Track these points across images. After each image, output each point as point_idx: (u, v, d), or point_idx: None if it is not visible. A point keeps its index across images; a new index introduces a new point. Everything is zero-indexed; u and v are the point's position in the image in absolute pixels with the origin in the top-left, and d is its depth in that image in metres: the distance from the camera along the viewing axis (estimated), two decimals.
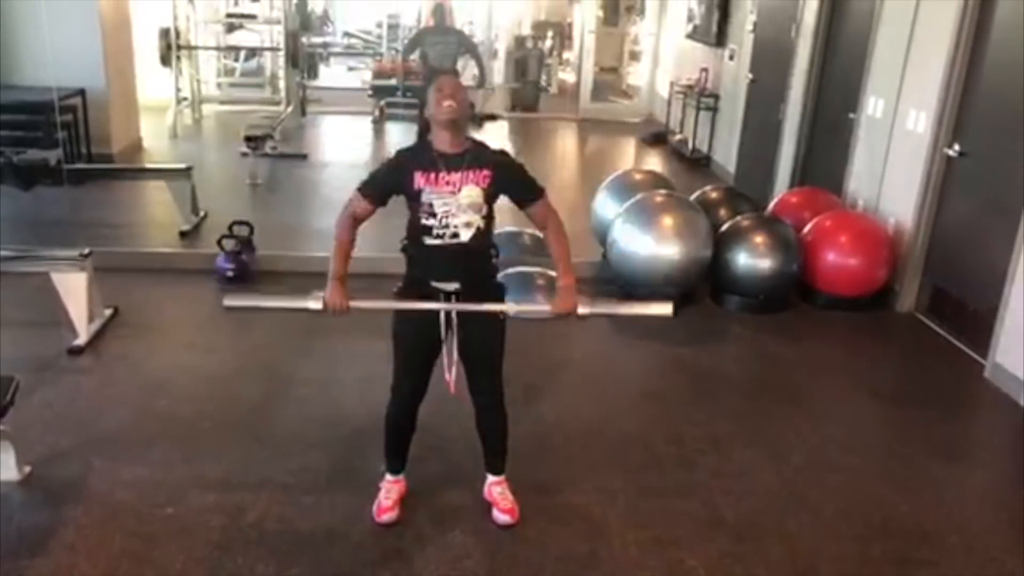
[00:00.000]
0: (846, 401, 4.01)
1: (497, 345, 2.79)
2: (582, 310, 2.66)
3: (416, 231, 2.64)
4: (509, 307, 2.80)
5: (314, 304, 2.62)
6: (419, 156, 2.64)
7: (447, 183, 2.58)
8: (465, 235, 2.60)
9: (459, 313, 2.68)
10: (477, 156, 2.64)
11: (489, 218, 2.67)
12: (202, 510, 2.88)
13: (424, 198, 2.59)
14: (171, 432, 3.37)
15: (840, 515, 3.04)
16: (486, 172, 2.61)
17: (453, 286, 2.67)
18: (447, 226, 2.59)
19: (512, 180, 2.68)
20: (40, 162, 5.37)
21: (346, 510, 2.90)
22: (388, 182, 2.67)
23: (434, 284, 2.67)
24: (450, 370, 2.73)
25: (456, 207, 2.59)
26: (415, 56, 8.09)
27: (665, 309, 2.75)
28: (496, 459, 2.93)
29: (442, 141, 2.61)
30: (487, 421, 2.87)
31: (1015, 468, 3.48)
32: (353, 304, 2.63)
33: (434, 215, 2.59)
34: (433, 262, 2.66)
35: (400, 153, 2.71)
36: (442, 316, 2.67)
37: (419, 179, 2.59)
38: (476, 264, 2.70)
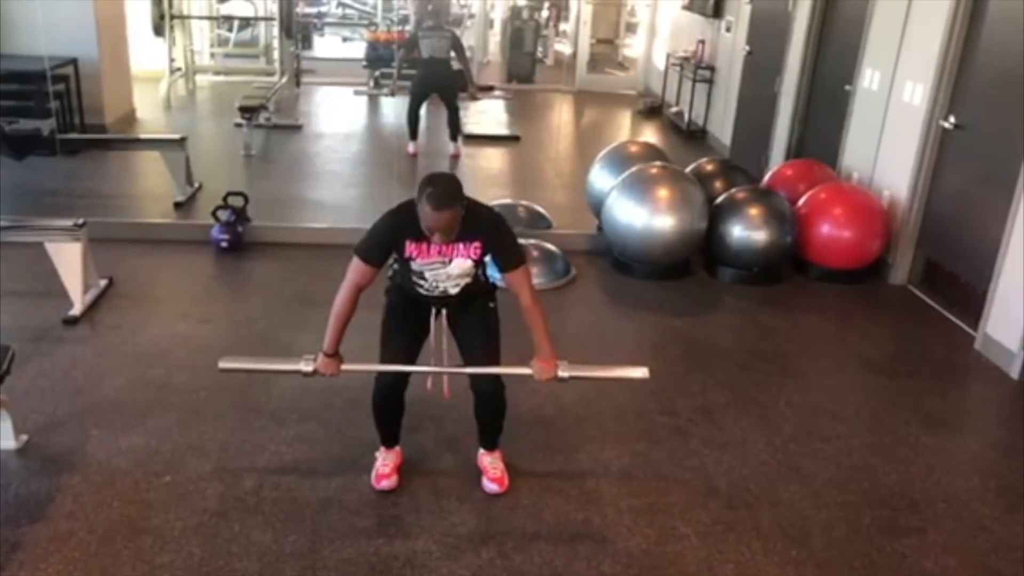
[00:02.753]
0: (838, 372, 4.04)
1: (492, 333, 2.84)
2: (562, 373, 2.75)
3: (405, 278, 2.73)
4: (495, 370, 2.78)
5: (305, 367, 2.75)
6: (411, 225, 2.59)
7: (439, 253, 2.64)
8: (455, 291, 2.73)
9: (449, 313, 2.81)
10: (469, 228, 2.61)
11: (480, 269, 2.76)
12: (199, 478, 2.91)
13: (414, 267, 2.66)
14: (167, 401, 3.38)
15: (831, 483, 3.08)
16: (477, 244, 2.65)
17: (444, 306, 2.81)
18: (436, 287, 2.71)
19: (499, 247, 2.70)
20: (33, 132, 5.35)
21: (342, 478, 2.93)
22: (384, 243, 2.68)
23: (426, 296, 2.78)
24: (438, 380, 2.81)
25: (446, 276, 2.68)
26: (407, 10, 8.03)
27: (641, 372, 2.89)
28: (491, 438, 2.96)
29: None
30: (486, 409, 2.87)
31: (1003, 438, 3.52)
32: (345, 367, 2.76)
33: (424, 279, 2.69)
34: (423, 299, 2.78)
35: (393, 218, 2.66)
36: (432, 317, 2.80)
37: (410, 247, 2.64)
38: (468, 296, 2.78)
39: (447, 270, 2.67)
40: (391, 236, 2.66)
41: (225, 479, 2.91)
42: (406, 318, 2.83)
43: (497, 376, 2.81)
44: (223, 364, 2.87)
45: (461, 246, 2.64)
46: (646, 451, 3.23)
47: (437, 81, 7.24)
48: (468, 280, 2.73)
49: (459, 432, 3.14)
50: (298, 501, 2.82)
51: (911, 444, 3.37)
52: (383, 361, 2.79)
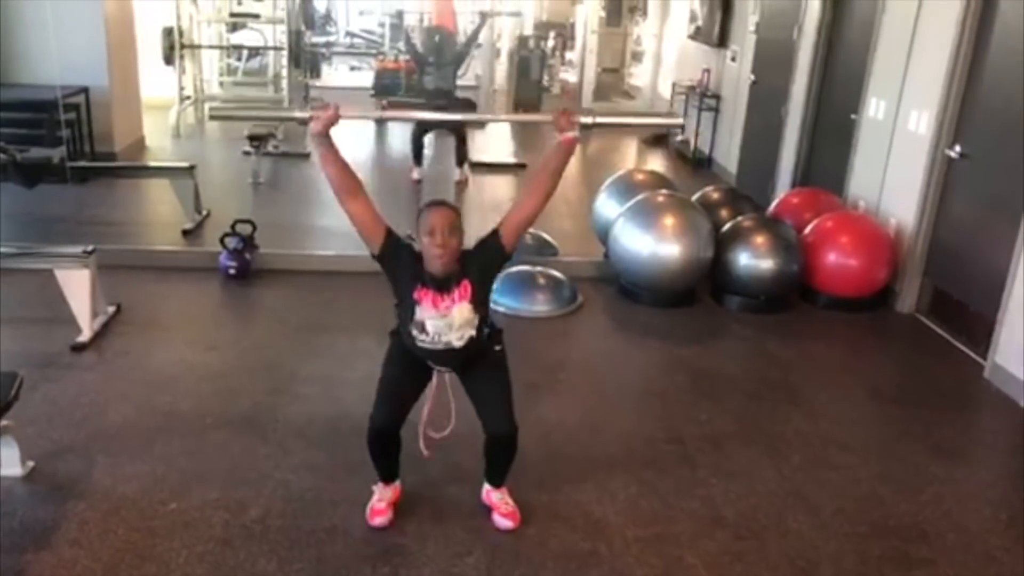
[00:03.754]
0: (846, 401, 4.02)
1: (502, 378, 2.78)
2: (585, 119, 2.64)
3: (408, 329, 2.66)
4: (514, 117, 2.71)
5: (301, 114, 2.67)
6: (415, 266, 2.61)
7: (441, 305, 2.60)
8: (459, 344, 2.65)
9: (455, 369, 2.76)
10: (460, 271, 2.61)
11: (484, 314, 2.68)
12: (204, 506, 2.90)
13: (417, 315, 2.61)
14: (174, 428, 3.38)
15: (839, 514, 3.05)
16: (466, 282, 2.62)
17: (447, 368, 2.76)
18: (439, 340, 2.64)
19: (484, 259, 2.65)
20: (44, 160, 5.39)
21: (348, 507, 2.91)
22: (400, 246, 2.65)
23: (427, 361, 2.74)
24: (429, 440, 2.81)
25: (447, 327, 2.62)
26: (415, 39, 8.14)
27: (676, 119, 2.72)
28: (498, 475, 2.92)
29: (432, 268, 2.59)
30: (497, 450, 2.84)
31: (1014, 468, 3.49)
32: (342, 114, 2.67)
33: (426, 332, 2.63)
34: (425, 356, 2.72)
35: (407, 248, 2.66)
36: (434, 378, 2.77)
37: (418, 292, 2.60)
38: (470, 353, 2.71)
39: (448, 320, 2.61)
40: (407, 255, 2.63)
41: (230, 507, 2.90)
42: (408, 367, 2.77)
43: (510, 418, 2.77)
44: (213, 112, 2.82)
45: (457, 292, 2.60)
46: (653, 480, 3.20)
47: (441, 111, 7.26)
48: (472, 333, 2.65)
49: (464, 461, 3.12)
50: (303, 529, 2.81)
51: (920, 474, 3.35)
52: (376, 417, 2.74)
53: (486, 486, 2.95)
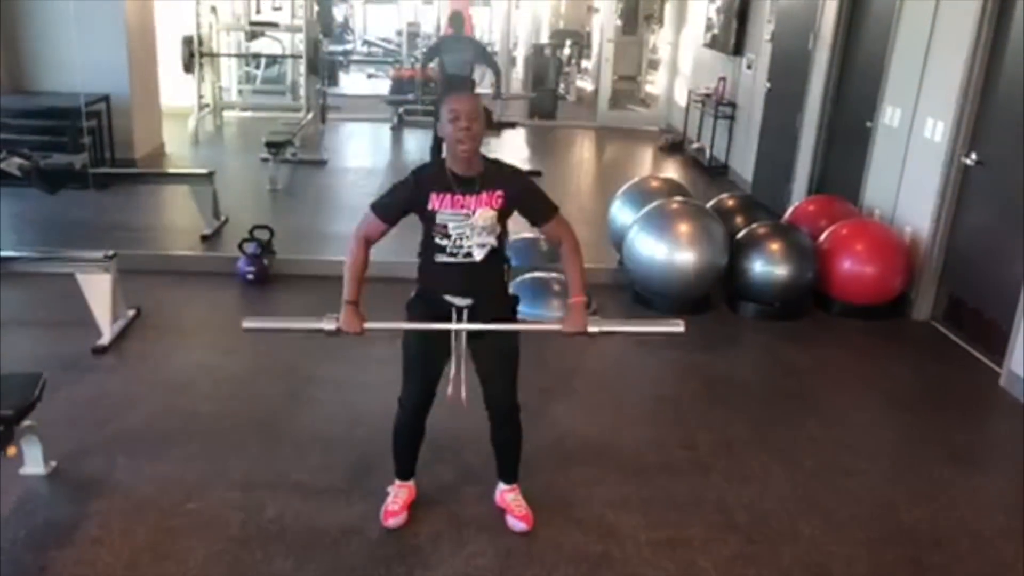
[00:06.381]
0: (860, 407, 4.02)
1: (511, 357, 2.79)
2: (592, 329, 2.68)
3: (429, 248, 2.67)
4: (519, 326, 2.80)
5: (328, 325, 2.67)
6: (435, 177, 2.64)
7: (462, 206, 2.61)
8: (478, 255, 2.64)
9: (471, 335, 2.71)
10: (491, 177, 2.64)
11: (503, 235, 2.70)
12: (222, 506, 2.94)
13: (439, 219, 2.62)
14: (192, 430, 3.43)
15: (853, 519, 3.06)
16: (499, 193, 2.63)
17: (466, 301, 2.69)
18: (460, 246, 2.63)
19: (525, 200, 2.69)
20: (66, 166, 5.47)
21: (363, 508, 2.95)
22: (402, 201, 2.68)
23: (446, 298, 2.69)
24: (457, 387, 2.72)
25: (470, 229, 2.61)
26: (433, 64, 8.21)
27: (676, 327, 2.75)
28: (509, 469, 2.95)
29: (456, 163, 2.61)
30: (502, 434, 2.87)
31: None
32: (367, 326, 2.67)
33: (448, 236, 2.62)
34: (445, 278, 2.69)
35: (416, 173, 2.70)
36: (452, 336, 2.70)
37: (434, 200, 2.61)
38: (488, 279, 2.72)
39: (471, 221, 2.60)
40: (414, 192, 2.64)
41: (248, 507, 2.94)
42: (427, 340, 2.76)
43: (513, 395, 2.80)
44: (246, 324, 2.85)
45: (484, 195, 2.61)
46: (666, 484, 3.22)
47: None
48: (492, 242, 2.63)
49: (478, 464, 3.15)
50: (319, 530, 2.84)
51: (934, 480, 3.35)
52: (406, 398, 2.80)
53: (500, 486, 2.98)
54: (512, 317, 2.83)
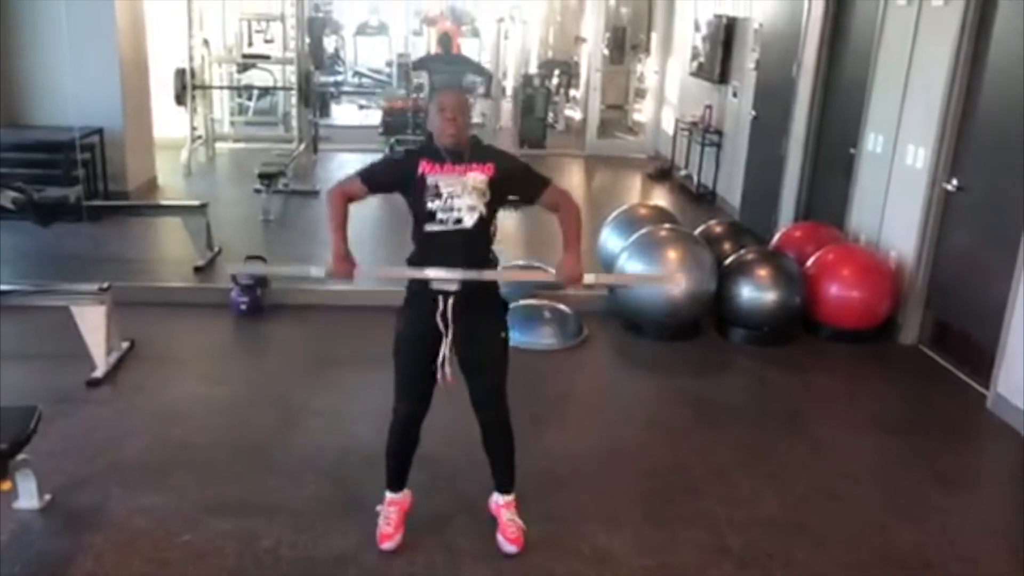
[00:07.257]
0: (849, 431, 4.06)
1: (499, 360, 2.83)
2: (588, 278, 2.71)
3: (420, 219, 2.72)
4: (511, 276, 2.78)
5: (318, 271, 2.70)
6: (425, 150, 2.78)
7: (453, 170, 2.71)
8: (468, 220, 2.68)
9: (459, 331, 2.72)
10: (481, 153, 2.77)
11: (492, 211, 2.74)
12: (217, 536, 2.95)
13: (429, 180, 2.69)
14: (187, 461, 3.44)
15: (843, 543, 3.08)
16: (490, 164, 2.74)
17: (454, 282, 2.70)
18: (451, 208, 2.67)
19: (516, 175, 2.79)
20: (60, 199, 5.51)
21: (358, 536, 2.96)
22: (388, 172, 2.83)
23: (435, 288, 2.71)
24: (442, 368, 2.74)
25: (461, 188, 2.68)
26: (422, 81, 8.24)
27: (675, 280, 2.76)
28: (504, 477, 2.97)
29: (445, 145, 2.73)
30: (492, 440, 2.91)
31: (1017, 497, 3.52)
32: (360, 268, 2.74)
33: (439, 196, 2.68)
34: (435, 249, 2.72)
35: (407, 150, 2.85)
36: (439, 319, 2.70)
37: (424, 165, 2.71)
38: (476, 252, 2.76)
39: (463, 180, 2.67)
40: (402, 164, 2.78)
41: (243, 537, 2.95)
42: (417, 342, 2.77)
43: (502, 404, 2.83)
44: (231, 268, 2.88)
45: (475, 164, 2.72)
46: (658, 510, 3.25)
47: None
48: (482, 209, 2.68)
49: (473, 492, 3.17)
50: (315, 559, 2.86)
51: (924, 504, 3.38)
52: (399, 406, 2.83)
53: (494, 495, 2.99)
54: (501, 316, 2.87)
